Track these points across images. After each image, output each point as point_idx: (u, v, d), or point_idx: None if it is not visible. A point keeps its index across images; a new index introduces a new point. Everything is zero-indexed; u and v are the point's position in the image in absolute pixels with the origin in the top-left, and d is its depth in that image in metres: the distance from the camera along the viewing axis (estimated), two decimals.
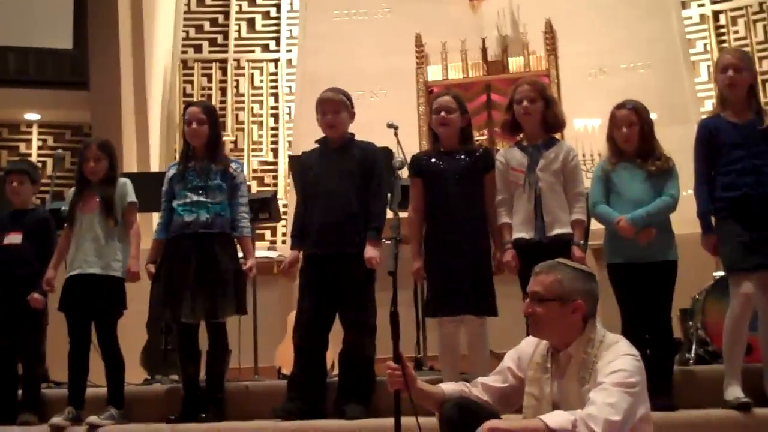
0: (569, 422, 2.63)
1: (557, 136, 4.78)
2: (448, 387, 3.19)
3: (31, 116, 10.31)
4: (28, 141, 10.36)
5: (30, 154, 10.18)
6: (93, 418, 4.57)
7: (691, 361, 5.12)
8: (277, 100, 9.57)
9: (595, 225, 4.67)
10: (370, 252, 4.51)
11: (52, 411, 4.83)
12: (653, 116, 4.51)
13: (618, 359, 2.80)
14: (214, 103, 8.74)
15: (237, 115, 9.50)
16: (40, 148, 10.35)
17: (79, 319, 4.85)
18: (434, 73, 8.99)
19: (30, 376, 5.14)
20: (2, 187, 5.33)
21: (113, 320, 4.87)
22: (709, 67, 8.41)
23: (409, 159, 4.68)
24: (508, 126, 4.63)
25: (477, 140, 4.96)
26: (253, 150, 9.39)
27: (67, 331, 4.87)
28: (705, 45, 8.70)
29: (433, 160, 4.65)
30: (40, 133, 10.42)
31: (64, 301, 4.87)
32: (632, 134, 4.41)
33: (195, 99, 9.23)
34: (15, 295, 5.06)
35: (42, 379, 5.43)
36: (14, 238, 5.17)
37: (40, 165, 8.55)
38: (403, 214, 4.18)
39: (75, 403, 4.77)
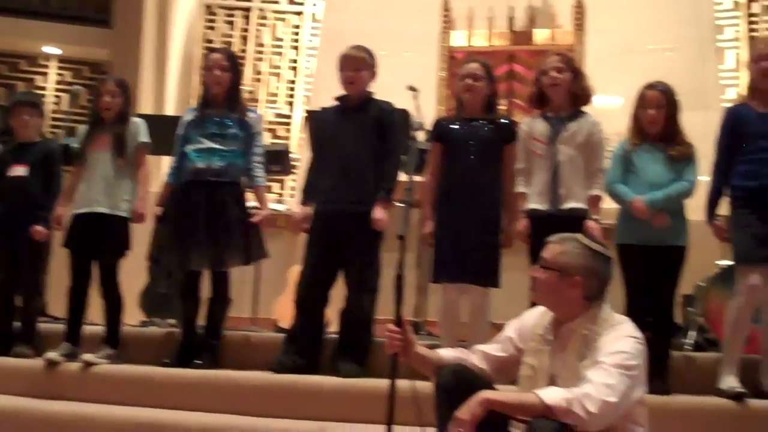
0: (564, 400, 2.60)
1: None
2: (446, 354, 3.18)
3: (51, 50, 10.24)
4: (45, 74, 10.30)
5: (45, 88, 10.14)
6: (88, 356, 4.57)
7: (687, 347, 5.12)
8: (297, 54, 9.48)
9: (607, 204, 4.62)
10: (377, 213, 4.47)
11: (48, 345, 4.84)
12: None
13: (621, 340, 2.78)
14: (234, 51, 8.65)
15: (255, 65, 9.42)
16: (57, 82, 10.29)
17: (82, 257, 4.84)
18: (458, 39, 8.89)
19: (27, 308, 5.15)
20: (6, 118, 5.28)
21: (116, 260, 4.85)
22: (738, 54, 8.23)
23: (427, 122, 4.63)
24: (535, 98, 4.58)
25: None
26: (269, 101, 9.30)
27: (69, 267, 4.86)
28: (735, 32, 8.52)
29: (455, 126, 4.61)
30: (59, 68, 10.37)
31: (70, 238, 4.84)
32: (659, 116, 4.36)
33: (216, 45, 9.15)
34: (17, 227, 5.05)
35: (40, 312, 5.45)
36: (20, 170, 5.12)
37: (56, 99, 8.52)
38: (417, 178, 4.13)
39: (71, 339, 4.78)
